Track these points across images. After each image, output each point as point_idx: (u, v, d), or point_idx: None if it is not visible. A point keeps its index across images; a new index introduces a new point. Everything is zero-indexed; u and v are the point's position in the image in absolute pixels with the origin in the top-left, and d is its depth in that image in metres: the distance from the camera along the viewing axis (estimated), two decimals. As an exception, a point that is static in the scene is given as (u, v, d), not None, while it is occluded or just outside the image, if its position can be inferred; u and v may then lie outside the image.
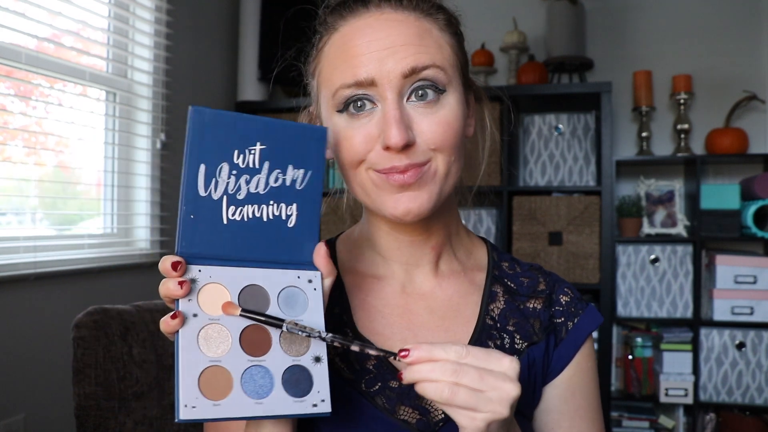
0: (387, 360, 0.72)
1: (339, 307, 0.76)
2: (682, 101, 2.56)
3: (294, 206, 0.61)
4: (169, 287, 0.56)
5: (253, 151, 0.59)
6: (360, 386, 0.71)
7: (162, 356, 1.04)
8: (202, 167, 0.57)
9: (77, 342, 0.95)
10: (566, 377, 0.78)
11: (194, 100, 2.58)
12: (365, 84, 0.66)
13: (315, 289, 0.62)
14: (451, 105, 0.68)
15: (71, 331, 0.96)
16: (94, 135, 2.13)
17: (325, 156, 0.64)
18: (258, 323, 0.58)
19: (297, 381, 0.57)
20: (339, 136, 0.69)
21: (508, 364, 0.58)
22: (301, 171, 0.62)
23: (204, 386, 0.54)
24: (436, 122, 0.67)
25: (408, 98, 0.67)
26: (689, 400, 2.39)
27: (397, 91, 0.66)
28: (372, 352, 0.59)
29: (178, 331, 0.55)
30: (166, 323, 0.56)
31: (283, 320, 0.58)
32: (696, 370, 2.41)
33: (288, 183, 0.61)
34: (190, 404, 0.52)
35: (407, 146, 0.65)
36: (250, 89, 2.79)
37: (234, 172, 0.58)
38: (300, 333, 0.58)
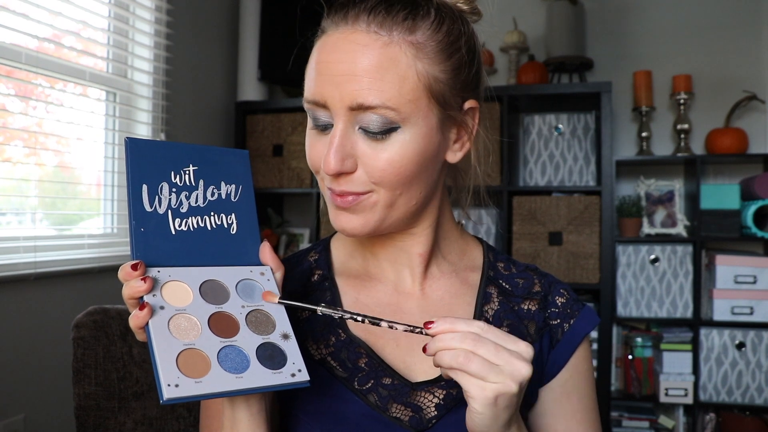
0: (380, 358, 0.72)
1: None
2: (682, 101, 2.56)
3: (233, 215, 0.67)
4: (132, 285, 0.58)
5: (187, 172, 0.65)
6: (352, 384, 0.71)
7: (162, 356, 1.04)
8: (144, 187, 0.62)
9: (77, 342, 0.95)
10: (562, 379, 0.78)
11: (194, 100, 2.58)
12: (320, 104, 0.66)
13: (268, 280, 0.66)
14: (403, 142, 0.65)
15: (71, 331, 0.96)
16: (94, 135, 2.13)
17: (250, 172, 0.69)
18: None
19: (271, 356, 0.60)
20: (307, 141, 0.71)
21: (524, 347, 0.60)
22: (233, 186, 0.68)
23: (183, 366, 0.55)
24: (380, 159, 0.65)
25: (359, 127, 0.66)
26: (689, 400, 2.39)
27: (345, 119, 0.65)
28: (400, 328, 0.62)
29: (148, 324, 0.57)
30: (135, 317, 0.57)
31: (317, 305, 0.62)
32: (696, 370, 2.41)
33: (224, 197, 0.67)
34: (172, 383, 0.54)
35: (343, 174, 0.66)
36: (250, 89, 2.78)
37: (174, 189, 0.64)
38: (333, 315, 0.62)
